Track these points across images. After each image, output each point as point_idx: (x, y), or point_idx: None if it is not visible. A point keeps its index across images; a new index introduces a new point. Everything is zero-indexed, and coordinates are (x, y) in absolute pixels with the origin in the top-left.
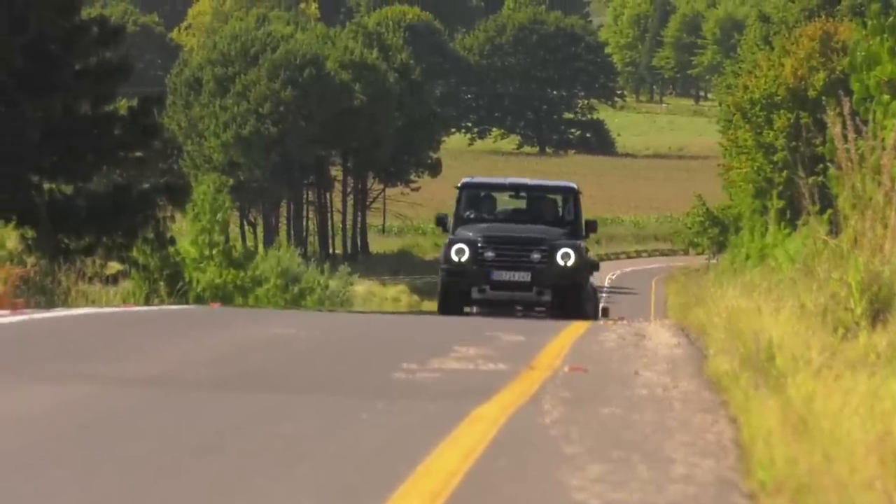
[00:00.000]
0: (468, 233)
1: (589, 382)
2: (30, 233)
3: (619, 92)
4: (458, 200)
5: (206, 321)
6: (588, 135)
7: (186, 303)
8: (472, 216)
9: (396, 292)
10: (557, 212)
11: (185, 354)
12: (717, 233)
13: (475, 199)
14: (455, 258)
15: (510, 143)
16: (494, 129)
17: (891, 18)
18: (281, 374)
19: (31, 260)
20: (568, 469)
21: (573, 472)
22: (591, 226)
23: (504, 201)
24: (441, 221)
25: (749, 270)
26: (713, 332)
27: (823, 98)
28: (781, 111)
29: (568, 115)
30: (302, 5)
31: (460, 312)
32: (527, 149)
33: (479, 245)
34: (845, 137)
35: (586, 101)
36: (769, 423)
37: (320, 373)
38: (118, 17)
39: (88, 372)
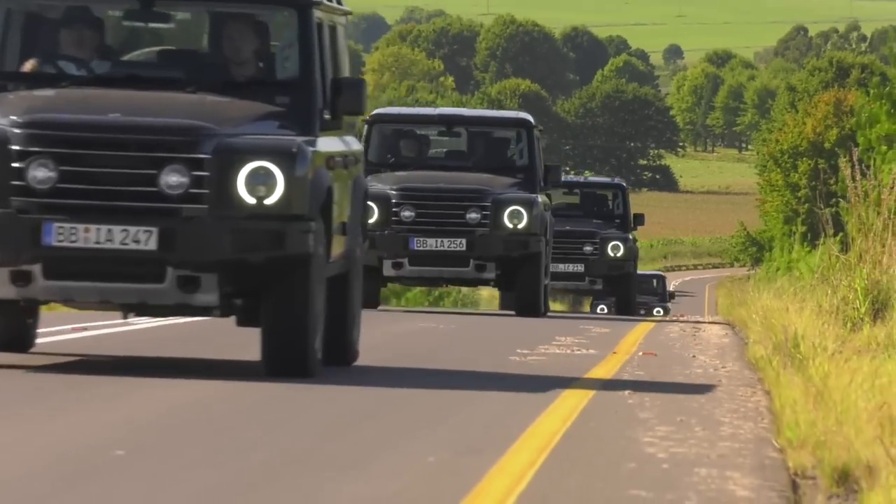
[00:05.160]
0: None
1: (658, 364)
2: None
3: (681, 144)
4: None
5: (368, 319)
6: (657, 177)
7: None
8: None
9: None
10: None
11: None
12: (755, 251)
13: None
14: None
15: None
16: (586, 172)
17: (887, 88)
18: (427, 357)
19: None
20: (642, 429)
21: (646, 432)
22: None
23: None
24: None
25: (779, 279)
26: (752, 326)
27: (836, 149)
28: (804, 159)
29: (642, 162)
30: (441, 79)
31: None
32: None
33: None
34: (854, 178)
35: (656, 151)
36: (794, 395)
37: (456, 356)
38: None
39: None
